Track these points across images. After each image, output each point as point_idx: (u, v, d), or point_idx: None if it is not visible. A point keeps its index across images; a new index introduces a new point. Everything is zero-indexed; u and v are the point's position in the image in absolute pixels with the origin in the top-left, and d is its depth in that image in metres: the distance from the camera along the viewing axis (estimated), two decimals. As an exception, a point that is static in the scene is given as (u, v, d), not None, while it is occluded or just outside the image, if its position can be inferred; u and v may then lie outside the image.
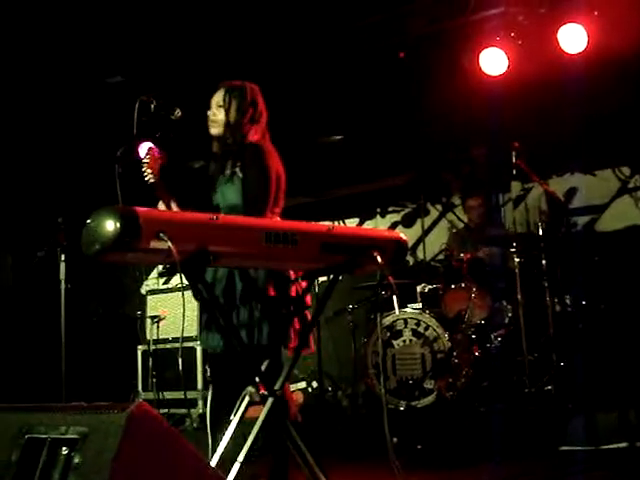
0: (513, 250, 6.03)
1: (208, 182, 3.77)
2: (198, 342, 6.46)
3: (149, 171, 3.61)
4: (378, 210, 8.30)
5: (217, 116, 3.73)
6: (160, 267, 7.60)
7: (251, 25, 6.58)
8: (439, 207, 7.88)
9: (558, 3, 6.12)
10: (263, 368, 3.39)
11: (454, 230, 7.06)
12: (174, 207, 3.52)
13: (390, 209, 8.25)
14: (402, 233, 3.53)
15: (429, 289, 6.57)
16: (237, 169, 3.64)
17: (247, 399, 3.35)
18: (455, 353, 5.96)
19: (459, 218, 7.13)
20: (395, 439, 4.90)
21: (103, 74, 7.26)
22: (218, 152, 3.80)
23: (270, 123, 3.88)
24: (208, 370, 3.95)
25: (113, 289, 8.68)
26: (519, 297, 5.92)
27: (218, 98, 3.75)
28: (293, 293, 3.59)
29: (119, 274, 8.60)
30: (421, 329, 6.21)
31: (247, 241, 2.94)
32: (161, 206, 3.57)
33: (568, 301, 6.21)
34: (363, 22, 6.71)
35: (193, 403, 6.90)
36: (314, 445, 3.34)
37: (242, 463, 3.08)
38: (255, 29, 6.62)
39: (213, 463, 3.16)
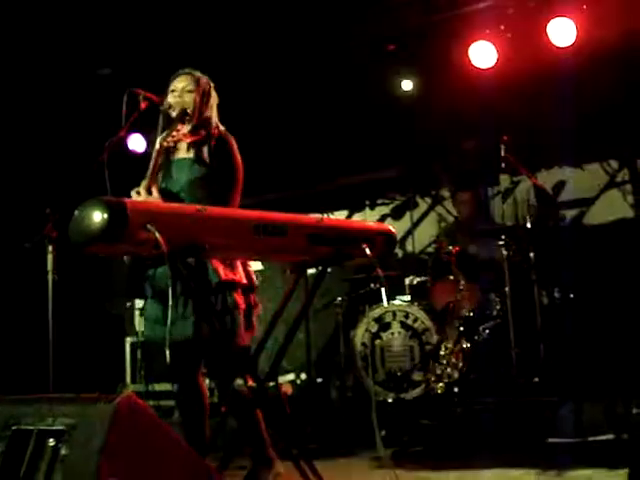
0: (501, 243, 6.04)
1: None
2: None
3: (168, 138, 3.57)
4: (367, 203, 8.30)
5: (177, 103, 3.69)
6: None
7: (241, 16, 6.56)
8: (428, 200, 7.88)
9: (547, -4, 6.13)
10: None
11: (443, 223, 7.07)
12: (155, 192, 3.49)
13: (379, 202, 8.25)
14: (391, 226, 3.53)
15: (418, 281, 6.58)
16: (205, 155, 3.63)
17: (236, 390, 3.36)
18: (443, 345, 5.97)
19: (448, 211, 7.14)
20: (383, 431, 4.92)
21: (92, 66, 7.23)
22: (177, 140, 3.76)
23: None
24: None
25: (101, 281, 8.66)
26: (507, 290, 5.93)
27: (184, 83, 3.73)
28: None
29: (108, 266, 8.58)
30: (410, 321, 6.22)
31: (235, 232, 2.94)
32: (136, 193, 3.52)
33: (556, 294, 6.22)
34: (354, 14, 6.70)
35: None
36: (302, 437, 3.35)
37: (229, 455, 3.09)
38: (244, 20, 6.60)
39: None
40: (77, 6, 6.29)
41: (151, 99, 3.78)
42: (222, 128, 3.77)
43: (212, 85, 3.82)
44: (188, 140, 3.72)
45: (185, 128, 3.71)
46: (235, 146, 3.71)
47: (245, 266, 3.63)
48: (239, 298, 3.53)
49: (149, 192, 3.48)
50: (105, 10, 6.38)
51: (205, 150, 3.65)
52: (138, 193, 3.48)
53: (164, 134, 3.61)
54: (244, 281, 3.56)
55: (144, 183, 3.51)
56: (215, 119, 3.78)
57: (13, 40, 6.62)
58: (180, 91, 3.72)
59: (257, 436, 3.60)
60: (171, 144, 3.64)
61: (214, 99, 3.81)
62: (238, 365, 3.39)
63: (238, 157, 3.69)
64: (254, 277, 3.67)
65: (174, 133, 3.62)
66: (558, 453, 4.56)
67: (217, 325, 3.23)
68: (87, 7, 6.31)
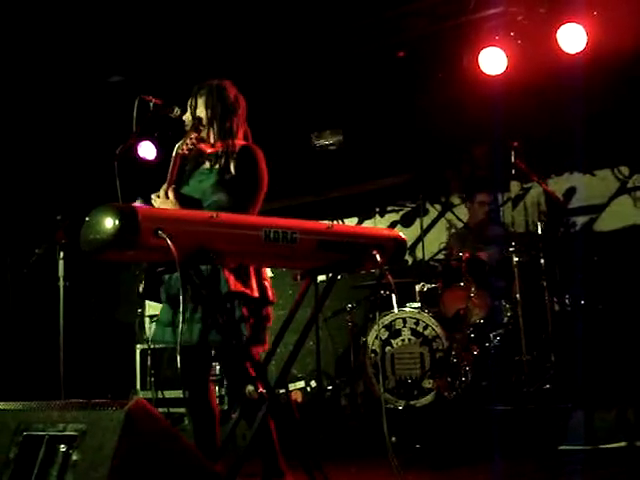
0: (512, 249, 6.03)
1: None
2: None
3: (185, 146, 3.60)
4: (377, 209, 8.30)
5: (188, 119, 3.73)
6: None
7: (251, 24, 6.58)
8: (438, 207, 7.87)
9: (557, 3, 6.12)
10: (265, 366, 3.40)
11: (453, 230, 7.06)
12: (171, 195, 3.51)
13: (389, 208, 8.24)
14: (401, 232, 3.52)
15: (428, 288, 6.56)
16: (229, 168, 3.63)
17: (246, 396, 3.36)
18: (454, 352, 5.96)
19: (458, 218, 7.13)
20: (394, 438, 4.91)
21: (103, 73, 7.26)
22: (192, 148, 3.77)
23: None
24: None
25: (111, 288, 8.68)
26: (518, 296, 5.92)
27: (202, 98, 3.74)
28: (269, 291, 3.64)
29: (118, 273, 8.60)
30: (420, 328, 6.21)
31: (246, 239, 2.94)
32: (156, 197, 3.55)
33: (567, 301, 6.20)
34: (363, 21, 6.71)
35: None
36: (313, 444, 3.34)
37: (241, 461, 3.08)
38: (255, 28, 6.62)
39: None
40: (88, 14, 6.32)
41: (160, 105, 3.79)
42: (247, 139, 3.75)
43: (215, 86, 3.76)
44: (209, 150, 3.73)
45: (210, 137, 3.72)
46: (259, 157, 3.69)
47: (261, 279, 3.62)
48: (247, 311, 3.52)
49: (167, 197, 3.50)
50: (116, 18, 6.41)
51: (226, 160, 3.65)
52: (158, 197, 3.51)
53: (180, 142, 3.63)
54: (255, 294, 3.55)
55: (164, 187, 3.53)
56: (240, 129, 3.75)
57: (25, 49, 6.65)
58: (196, 104, 3.73)
59: (269, 448, 3.59)
60: (186, 152, 3.65)
61: (241, 109, 3.79)
62: (247, 374, 3.39)
63: (261, 168, 3.67)
64: (270, 291, 3.64)
65: (188, 141, 3.63)
66: (570, 460, 4.53)
67: (225, 334, 3.22)
68: (98, 15, 6.34)
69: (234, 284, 3.45)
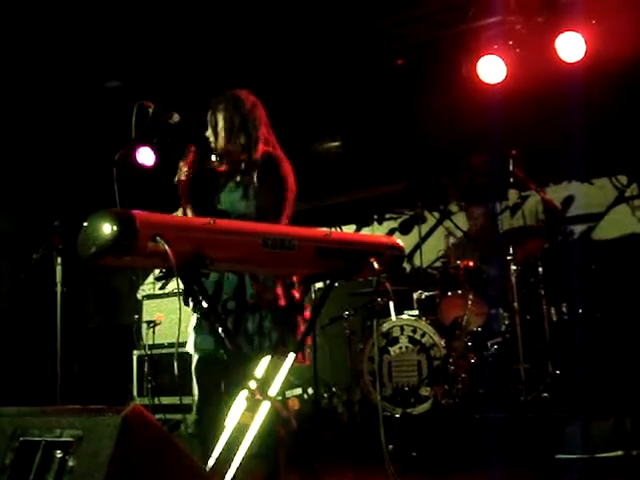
0: (510, 258, 6.03)
1: (209, 188, 3.76)
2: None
3: (185, 169, 3.60)
4: (375, 217, 8.30)
5: (210, 135, 3.75)
6: (157, 272, 7.60)
7: (250, 30, 6.59)
8: (436, 214, 7.87)
9: (556, 11, 6.13)
10: (259, 374, 3.38)
11: (452, 238, 7.06)
12: (189, 213, 3.53)
13: (387, 216, 8.25)
14: (399, 240, 3.52)
15: (426, 296, 6.57)
16: (252, 178, 3.64)
17: (243, 404, 3.34)
18: (451, 360, 5.96)
19: (456, 225, 7.12)
20: (391, 446, 4.90)
21: (101, 78, 7.26)
22: (221, 163, 3.78)
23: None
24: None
25: (109, 293, 8.66)
26: (516, 305, 5.92)
27: (208, 117, 3.76)
28: (297, 297, 3.60)
29: (115, 279, 8.59)
30: (417, 336, 6.20)
31: (244, 245, 2.93)
32: (179, 212, 3.58)
33: (564, 309, 6.20)
34: (363, 29, 6.72)
35: (188, 409, 6.87)
36: (310, 452, 3.33)
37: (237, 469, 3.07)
38: (254, 34, 6.63)
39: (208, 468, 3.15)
40: (85, 19, 6.33)
41: (159, 111, 3.79)
42: (263, 146, 3.73)
43: (232, 99, 3.76)
44: (234, 163, 3.73)
45: (233, 149, 3.72)
46: (282, 163, 3.70)
47: (288, 287, 3.59)
48: (274, 320, 3.52)
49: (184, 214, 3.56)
50: (113, 23, 6.41)
51: (249, 172, 3.65)
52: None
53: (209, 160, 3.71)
54: (282, 302, 3.54)
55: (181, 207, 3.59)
56: (261, 136, 3.74)
57: (22, 53, 6.66)
58: (216, 119, 3.73)
59: (273, 458, 3.57)
60: (207, 168, 3.70)
61: (261, 117, 3.78)
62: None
63: (284, 174, 3.67)
64: (297, 298, 3.59)
65: (207, 162, 3.68)
66: (566, 470, 4.52)
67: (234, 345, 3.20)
68: (95, 20, 6.35)
69: (262, 292, 3.46)
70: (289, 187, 3.68)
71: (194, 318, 3.67)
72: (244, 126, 3.72)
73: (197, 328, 3.63)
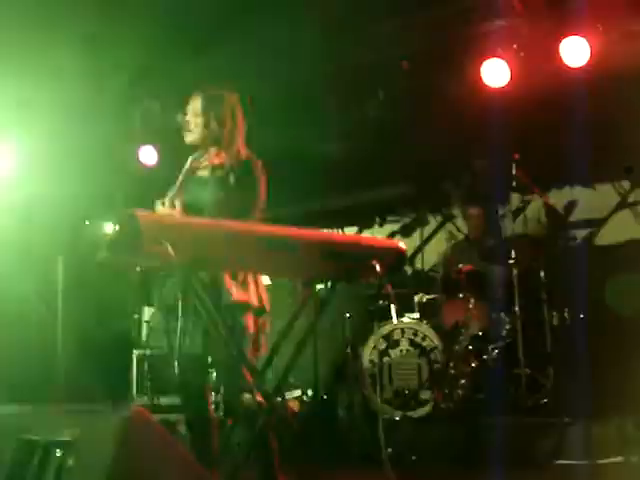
0: (512, 262, 6.02)
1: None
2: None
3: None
4: (377, 219, 8.28)
5: (196, 125, 3.73)
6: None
7: (250, 30, 6.57)
8: (438, 217, 7.85)
9: (561, 15, 6.11)
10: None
11: (453, 241, 7.05)
12: (177, 205, 3.52)
13: (389, 218, 8.23)
14: (401, 242, 3.51)
15: (427, 299, 6.56)
16: (228, 178, 3.63)
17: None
18: (452, 364, 5.94)
19: (458, 229, 7.11)
20: (390, 449, 4.89)
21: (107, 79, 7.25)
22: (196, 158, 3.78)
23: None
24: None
25: (110, 293, 8.66)
26: (517, 309, 5.91)
27: (196, 106, 3.74)
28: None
29: (116, 278, 8.58)
30: (418, 339, 6.19)
31: (247, 246, 2.93)
32: (159, 206, 3.56)
33: (566, 314, 6.19)
34: (366, 32, 6.71)
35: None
36: (309, 454, 3.33)
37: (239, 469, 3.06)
38: (254, 34, 6.62)
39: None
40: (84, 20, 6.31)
41: (163, 111, 3.80)
42: (245, 149, 3.75)
43: (227, 98, 3.78)
44: (215, 161, 3.73)
45: (212, 147, 3.73)
46: (259, 170, 3.70)
47: (257, 287, 3.61)
48: (249, 321, 3.52)
49: (173, 205, 3.50)
50: (113, 23, 6.39)
51: (226, 171, 3.65)
52: (163, 204, 3.52)
53: (195, 154, 3.65)
54: (255, 303, 3.55)
55: (170, 195, 3.53)
56: (239, 138, 3.75)
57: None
58: (192, 115, 3.73)
59: (267, 457, 3.57)
60: (196, 164, 3.68)
61: (239, 118, 3.79)
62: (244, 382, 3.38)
63: (259, 182, 3.68)
64: (266, 299, 3.65)
65: (206, 155, 3.67)
66: (567, 475, 4.51)
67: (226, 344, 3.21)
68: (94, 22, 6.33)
69: (237, 293, 3.45)
70: (261, 196, 3.68)
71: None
72: (222, 125, 3.71)
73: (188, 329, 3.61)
